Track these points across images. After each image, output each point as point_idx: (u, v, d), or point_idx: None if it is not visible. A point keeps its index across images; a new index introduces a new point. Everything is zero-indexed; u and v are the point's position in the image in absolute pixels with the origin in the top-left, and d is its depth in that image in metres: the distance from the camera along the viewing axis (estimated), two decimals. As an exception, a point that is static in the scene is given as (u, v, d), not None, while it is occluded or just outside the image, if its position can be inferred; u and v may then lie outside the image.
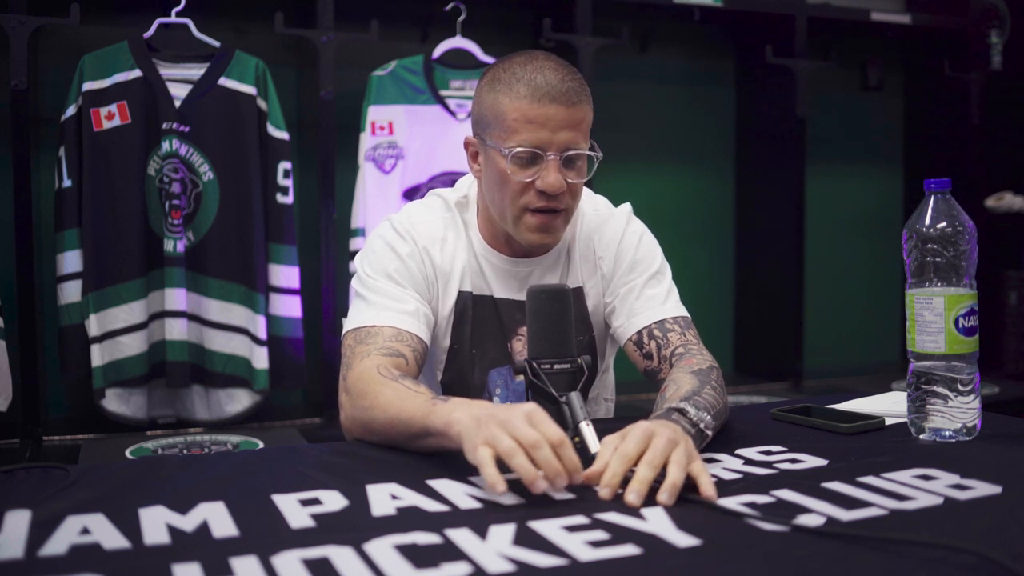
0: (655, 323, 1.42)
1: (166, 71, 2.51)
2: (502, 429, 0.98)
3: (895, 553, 0.80)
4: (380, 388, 1.21)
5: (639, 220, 1.53)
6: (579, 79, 1.34)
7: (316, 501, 0.96)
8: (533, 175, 1.32)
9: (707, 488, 0.97)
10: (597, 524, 0.89)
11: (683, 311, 1.46)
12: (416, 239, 1.42)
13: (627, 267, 1.47)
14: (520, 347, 1.46)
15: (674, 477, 0.97)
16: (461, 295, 1.44)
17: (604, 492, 0.97)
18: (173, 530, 0.87)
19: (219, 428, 2.57)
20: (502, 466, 0.97)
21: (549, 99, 1.29)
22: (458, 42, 2.78)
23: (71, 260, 2.45)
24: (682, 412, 1.15)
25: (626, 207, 1.53)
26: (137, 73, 2.47)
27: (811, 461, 1.13)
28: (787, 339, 3.23)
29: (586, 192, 1.53)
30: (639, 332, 1.43)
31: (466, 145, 1.43)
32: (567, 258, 1.48)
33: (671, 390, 1.24)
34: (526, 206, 1.34)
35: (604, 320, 1.50)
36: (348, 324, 1.38)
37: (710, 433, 1.18)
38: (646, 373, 1.43)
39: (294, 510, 0.93)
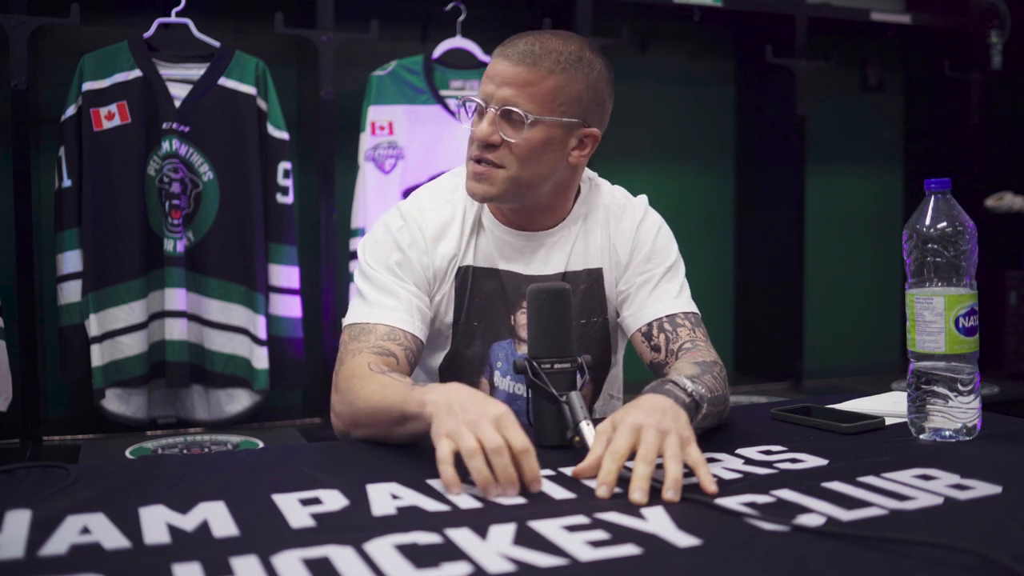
0: (666, 316, 1.43)
1: (166, 71, 2.51)
2: (469, 428, 1.00)
3: (895, 553, 0.80)
4: (365, 382, 1.23)
5: (656, 212, 1.54)
6: (557, 50, 1.34)
7: (316, 501, 0.97)
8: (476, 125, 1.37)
9: (706, 481, 0.98)
10: (597, 524, 0.89)
11: (694, 308, 1.47)
12: (422, 227, 1.43)
13: (644, 256, 1.47)
14: (524, 320, 1.46)
15: (674, 473, 0.97)
16: (461, 270, 1.44)
17: (601, 491, 0.98)
18: (173, 530, 0.88)
19: (219, 428, 2.57)
20: (462, 464, 0.99)
21: (503, 56, 1.35)
22: (458, 42, 2.78)
23: (71, 260, 2.45)
24: (676, 383, 1.17)
25: (643, 198, 1.54)
26: (137, 73, 2.47)
27: (811, 461, 1.13)
28: (787, 339, 3.23)
29: (603, 182, 1.55)
30: (649, 324, 1.43)
31: None
32: (583, 239, 1.48)
33: (672, 375, 1.25)
34: (469, 156, 1.39)
35: (616, 308, 1.51)
36: (346, 318, 1.40)
37: (705, 408, 1.18)
38: (652, 366, 1.44)
39: (294, 510, 0.94)
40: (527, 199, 1.41)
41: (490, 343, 1.47)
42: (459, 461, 1.00)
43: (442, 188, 1.49)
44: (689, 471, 1.01)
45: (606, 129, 1.43)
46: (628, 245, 1.48)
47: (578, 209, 1.48)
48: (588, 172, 1.53)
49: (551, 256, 1.46)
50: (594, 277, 1.47)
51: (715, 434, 1.27)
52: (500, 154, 1.35)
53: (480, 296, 1.45)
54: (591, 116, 1.38)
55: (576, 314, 1.44)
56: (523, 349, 1.46)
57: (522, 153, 1.35)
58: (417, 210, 1.45)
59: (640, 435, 1.01)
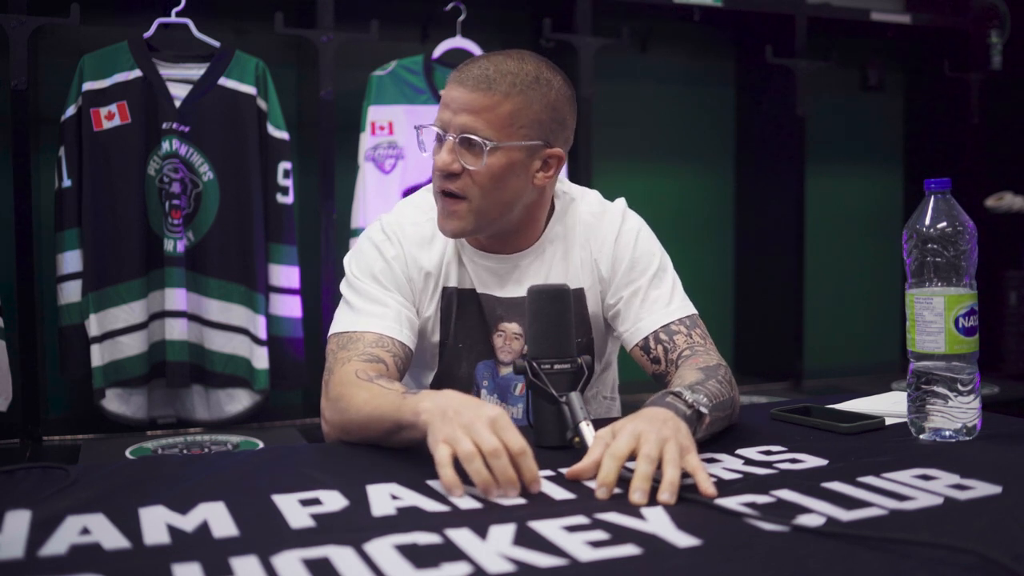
0: (661, 327, 1.41)
1: (166, 71, 2.51)
2: (465, 432, 1.00)
3: (895, 553, 0.80)
4: (356, 390, 1.23)
5: (635, 214, 1.51)
6: (512, 72, 1.31)
7: (316, 501, 0.97)
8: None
9: (704, 485, 0.98)
10: (597, 524, 0.89)
11: (688, 308, 1.45)
12: (403, 241, 1.43)
13: (627, 267, 1.45)
14: (501, 343, 1.46)
15: (671, 475, 0.97)
16: (446, 291, 1.45)
17: (601, 492, 0.98)
18: (173, 530, 0.88)
19: (219, 428, 2.57)
20: (461, 467, 0.99)
21: (458, 82, 1.32)
22: (458, 42, 2.78)
23: (71, 260, 2.45)
24: (677, 395, 1.15)
25: (620, 203, 1.51)
26: (137, 73, 2.47)
27: (811, 461, 1.13)
28: (787, 339, 3.23)
29: (578, 189, 1.53)
30: (645, 338, 1.42)
31: None
32: (564, 259, 1.46)
33: (675, 384, 1.24)
34: (434, 188, 1.38)
35: (604, 321, 1.49)
36: (333, 327, 1.39)
37: (708, 416, 1.17)
38: (655, 377, 1.43)
39: (294, 510, 0.94)
40: (497, 226, 1.39)
41: (475, 363, 1.48)
42: (458, 465, 1.00)
43: (423, 204, 1.48)
44: (688, 477, 1.01)
45: (573, 141, 1.41)
46: (608, 258, 1.45)
47: (553, 228, 1.46)
48: (563, 186, 1.51)
49: (525, 277, 1.44)
50: (576, 297, 1.45)
51: (721, 432, 1.27)
52: (463, 183, 1.33)
53: (463, 318, 1.45)
54: (553, 136, 1.36)
55: None
56: (504, 370, 1.47)
57: (484, 181, 1.33)
58: (398, 225, 1.45)
59: (641, 439, 1.01)
